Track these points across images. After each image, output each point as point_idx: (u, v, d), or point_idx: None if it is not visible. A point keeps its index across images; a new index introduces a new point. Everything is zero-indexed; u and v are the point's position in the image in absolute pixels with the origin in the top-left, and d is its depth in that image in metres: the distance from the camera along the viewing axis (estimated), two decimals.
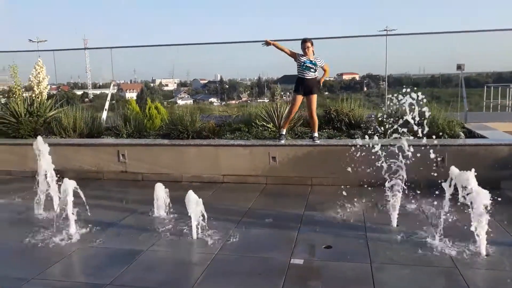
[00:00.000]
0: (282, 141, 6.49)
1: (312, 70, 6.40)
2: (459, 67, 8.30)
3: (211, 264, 3.75)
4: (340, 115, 7.41)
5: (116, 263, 3.81)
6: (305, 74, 6.40)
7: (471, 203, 3.86)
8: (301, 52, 6.44)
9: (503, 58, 15.14)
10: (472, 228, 3.86)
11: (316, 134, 6.50)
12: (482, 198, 3.79)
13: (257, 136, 6.98)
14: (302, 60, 6.39)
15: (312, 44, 6.42)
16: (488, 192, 3.81)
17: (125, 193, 6.31)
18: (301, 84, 6.42)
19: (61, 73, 10.31)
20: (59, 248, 4.19)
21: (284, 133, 6.62)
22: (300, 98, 6.47)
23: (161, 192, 5.15)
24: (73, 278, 3.61)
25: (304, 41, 6.41)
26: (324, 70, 6.57)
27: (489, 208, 3.84)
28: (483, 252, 3.77)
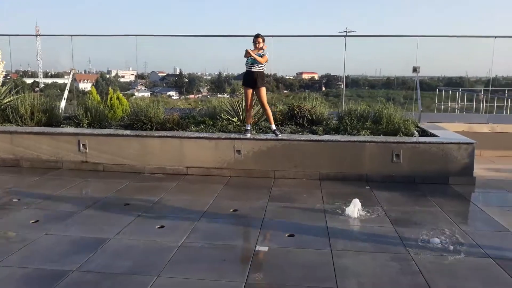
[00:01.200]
0: (248, 135, 6.61)
1: (257, 63, 6.57)
2: (414, 69, 8.75)
3: (178, 251, 3.81)
4: (303, 112, 7.62)
5: (80, 251, 3.79)
6: (251, 67, 6.57)
7: None
8: (252, 47, 6.64)
9: (453, 63, 16.05)
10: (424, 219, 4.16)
11: (273, 126, 6.66)
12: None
13: (222, 129, 7.06)
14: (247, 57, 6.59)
15: (263, 41, 6.60)
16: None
17: (87, 183, 6.20)
18: (246, 78, 6.62)
19: (8, 60, 9.81)
20: (20, 237, 4.10)
21: (249, 127, 6.74)
22: (248, 90, 6.64)
23: None
24: (36, 265, 3.56)
25: (256, 36, 6.63)
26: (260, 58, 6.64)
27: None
28: (436, 241, 4.06)
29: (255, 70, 6.56)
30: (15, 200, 5.25)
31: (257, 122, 7.44)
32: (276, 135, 6.58)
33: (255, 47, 6.62)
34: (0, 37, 10.22)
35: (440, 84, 15.70)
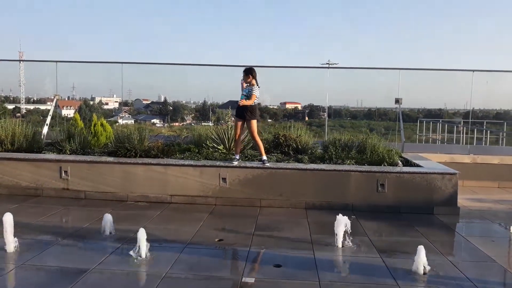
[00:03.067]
0: (235, 163, 6.57)
1: (246, 98, 6.62)
2: (397, 101, 8.94)
3: (161, 283, 3.69)
4: (288, 141, 7.66)
5: (59, 282, 3.63)
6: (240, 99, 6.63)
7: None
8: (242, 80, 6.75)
9: (432, 95, 16.50)
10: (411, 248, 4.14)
11: (264, 157, 6.66)
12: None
13: (207, 157, 7.01)
14: (258, 91, 6.65)
15: (253, 77, 6.65)
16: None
17: (68, 211, 6.02)
18: (239, 110, 6.65)
19: None
20: None
21: (237, 157, 6.72)
22: (239, 122, 6.68)
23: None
24: None
25: (244, 73, 6.70)
26: (250, 97, 6.71)
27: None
28: (421, 271, 4.03)
29: (246, 104, 6.60)
30: None
31: (243, 150, 7.42)
32: (264, 163, 6.56)
33: (245, 81, 6.68)
34: None
35: (420, 115, 16.09)
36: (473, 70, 8.79)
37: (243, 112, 6.60)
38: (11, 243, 4.29)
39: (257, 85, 6.69)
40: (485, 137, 12.55)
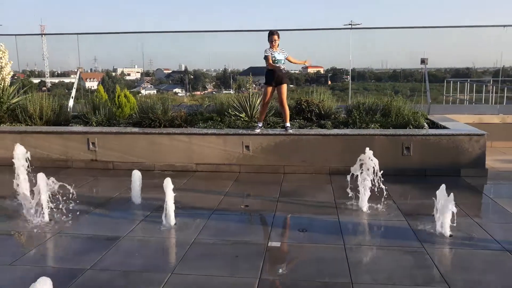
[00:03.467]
0: (257, 130, 6.58)
1: (282, 62, 6.53)
2: (422, 61, 8.68)
3: (190, 248, 3.81)
4: (311, 106, 7.58)
5: (94, 249, 3.80)
6: (279, 64, 6.50)
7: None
8: (268, 45, 6.57)
9: (460, 54, 15.92)
10: (437, 213, 4.12)
11: (288, 124, 6.64)
12: None
13: (230, 125, 7.04)
14: (273, 54, 6.50)
15: (278, 37, 6.54)
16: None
17: (97, 181, 6.23)
18: (272, 76, 6.53)
19: (16, 60, 9.84)
20: (35, 236, 4.13)
21: (260, 125, 6.71)
22: (270, 89, 6.59)
23: (136, 180, 5.13)
24: (51, 263, 3.58)
25: (271, 34, 6.52)
26: (290, 61, 6.69)
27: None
28: (447, 233, 4.02)
29: (283, 67, 6.52)
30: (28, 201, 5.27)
31: (265, 118, 7.41)
32: (287, 130, 6.54)
33: (272, 46, 6.53)
34: (7, 38, 10.27)
35: (447, 75, 15.55)
36: (504, 26, 8.38)
37: (282, 77, 6.49)
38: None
39: (272, 47, 6.54)
40: None
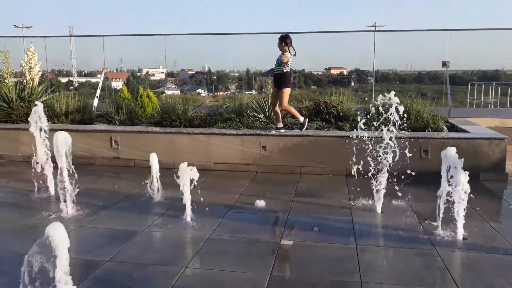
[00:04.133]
0: (273, 131, 6.67)
1: (276, 66, 6.68)
2: (444, 64, 8.59)
3: (205, 244, 3.93)
4: (329, 108, 7.62)
5: (113, 242, 3.97)
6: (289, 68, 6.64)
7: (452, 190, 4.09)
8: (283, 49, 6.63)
9: (487, 56, 15.58)
10: (452, 214, 4.12)
11: (301, 119, 6.68)
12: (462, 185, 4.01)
13: (248, 126, 7.15)
14: (289, 57, 6.59)
15: (285, 43, 6.60)
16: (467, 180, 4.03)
17: (118, 178, 6.43)
18: (273, 78, 6.68)
19: (44, 60, 10.23)
20: None
21: (280, 125, 6.79)
22: (274, 90, 6.76)
23: (154, 178, 5.28)
24: (71, 254, 3.74)
25: (287, 37, 6.61)
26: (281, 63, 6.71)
27: (467, 196, 4.05)
28: (460, 236, 4.01)
29: (276, 72, 6.64)
30: (50, 195, 5.51)
31: (282, 119, 7.48)
32: (302, 125, 6.61)
33: (288, 49, 6.62)
34: (37, 39, 10.69)
35: (474, 78, 15.25)
36: None
37: (276, 81, 6.63)
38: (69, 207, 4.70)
39: (290, 52, 6.60)
40: None
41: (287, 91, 6.64)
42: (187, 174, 4.43)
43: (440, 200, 4.15)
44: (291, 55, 6.62)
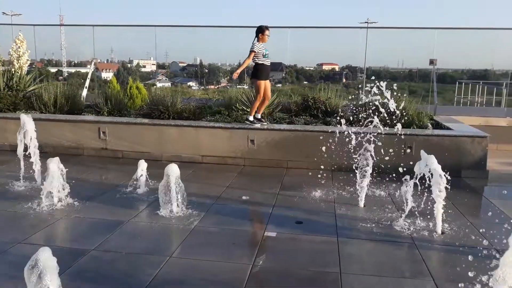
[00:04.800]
0: (257, 125, 6.74)
1: (268, 56, 6.72)
2: (431, 62, 8.72)
3: (190, 235, 4.00)
4: (317, 103, 7.70)
5: (99, 232, 4.01)
6: (265, 61, 6.68)
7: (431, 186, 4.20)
8: (256, 40, 6.69)
9: (477, 56, 15.78)
10: (431, 210, 4.24)
11: (251, 118, 6.81)
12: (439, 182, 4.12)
13: (237, 119, 7.20)
14: (262, 49, 6.65)
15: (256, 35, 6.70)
16: (445, 177, 4.13)
17: (106, 169, 6.46)
18: (264, 71, 6.70)
19: (33, 49, 10.13)
20: (43, 218, 4.36)
21: (258, 117, 6.86)
22: (265, 82, 6.79)
23: (142, 168, 5.32)
24: (58, 243, 3.80)
25: (266, 28, 6.67)
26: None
27: (445, 192, 4.16)
28: (439, 231, 4.13)
29: (269, 63, 6.73)
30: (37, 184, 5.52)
31: (271, 113, 7.56)
32: (248, 120, 6.77)
33: (263, 40, 6.70)
34: (26, 27, 10.59)
35: (464, 77, 15.45)
36: None
37: (269, 72, 6.76)
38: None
39: (255, 43, 6.67)
40: None
41: (258, 83, 6.69)
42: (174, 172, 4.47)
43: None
44: (258, 46, 6.67)
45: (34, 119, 7.25)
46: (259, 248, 3.74)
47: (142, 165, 5.32)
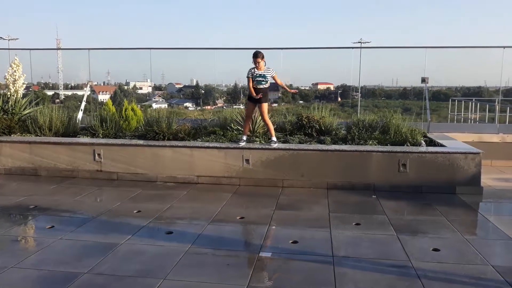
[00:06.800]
0: (241, 143, 6.77)
1: (263, 82, 6.74)
2: (423, 80, 8.83)
3: (184, 256, 3.97)
4: (311, 122, 7.75)
5: (92, 254, 3.98)
6: (257, 85, 6.73)
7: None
8: (252, 65, 6.78)
9: (471, 73, 16.02)
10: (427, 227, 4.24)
11: (274, 138, 6.82)
12: None
13: (231, 139, 7.23)
14: (255, 74, 6.73)
15: (262, 58, 6.72)
16: None
17: (101, 191, 6.43)
18: (252, 94, 6.74)
19: (29, 72, 10.20)
20: (36, 241, 4.33)
21: (245, 138, 6.91)
22: (251, 105, 6.84)
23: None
24: (50, 267, 3.76)
25: (254, 56, 6.72)
26: (276, 81, 6.89)
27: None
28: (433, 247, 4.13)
29: (261, 87, 6.74)
30: (32, 206, 5.50)
31: (266, 132, 7.59)
32: (271, 144, 6.74)
33: (256, 67, 6.73)
34: (23, 52, 10.69)
35: (458, 94, 15.63)
36: (504, 47, 8.53)
37: (261, 96, 6.72)
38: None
39: (257, 68, 6.74)
40: None
41: (266, 105, 6.83)
42: None
43: None
44: (252, 69, 6.79)
45: (29, 142, 7.33)
46: (254, 268, 3.72)
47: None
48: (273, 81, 6.88)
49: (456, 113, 13.34)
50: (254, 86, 6.73)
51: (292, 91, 7.33)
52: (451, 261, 3.89)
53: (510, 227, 4.79)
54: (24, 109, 8.60)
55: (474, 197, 6.06)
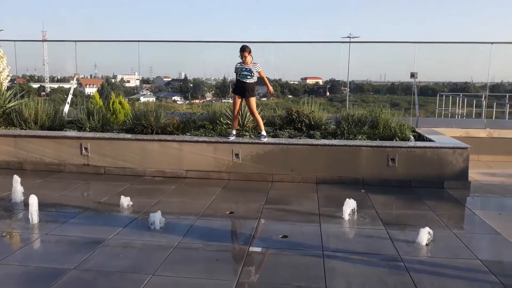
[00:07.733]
0: (231, 138, 6.74)
1: (248, 76, 6.69)
2: (412, 75, 8.87)
3: (173, 252, 3.92)
4: (301, 116, 7.73)
5: (79, 250, 3.91)
6: (243, 79, 6.69)
7: None
8: (239, 60, 6.73)
9: (457, 69, 16.15)
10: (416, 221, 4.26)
11: (263, 133, 6.79)
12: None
13: (221, 133, 7.18)
14: (239, 68, 6.69)
15: (249, 52, 6.68)
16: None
17: (88, 185, 6.34)
18: (239, 88, 6.72)
19: (14, 65, 9.98)
20: (21, 237, 4.24)
21: (234, 132, 6.87)
22: (237, 99, 6.78)
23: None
24: (36, 263, 3.69)
25: (241, 50, 6.67)
26: (262, 77, 6.86)
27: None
28: (423, 242, 4.14)
29: (247, 82, 6.69)
30: (19, 201, 5.39)
31: (256, 127, 7.55)
32: (260, 138, 6.71)
33: (243, 61, 6.68)
34: (7, 43, 10.46)
35: (445, 89, 15.78)
36: (492, 43, 8.60)
37: (247, 90, 6.69)
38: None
39: (243, 62, 6.70)
40: (507, 111, 12.27)
41: (254, 100, 6.80)
42: None
43: None
44: (238, 63, 6.76)
45: (14, 136, 7.17)
46: (244, 263, 3.69)
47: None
48: (259, 76, 6.83)
49: (443, 108, 13.47)
50: (240, 80, 6.68)
51: (270, 90, 7.22)
52: (439, 255, 3.92)
53: (497, 222, 4.85)
54: (8, 102, 8.42)
55: (462, 191, 6.11)
